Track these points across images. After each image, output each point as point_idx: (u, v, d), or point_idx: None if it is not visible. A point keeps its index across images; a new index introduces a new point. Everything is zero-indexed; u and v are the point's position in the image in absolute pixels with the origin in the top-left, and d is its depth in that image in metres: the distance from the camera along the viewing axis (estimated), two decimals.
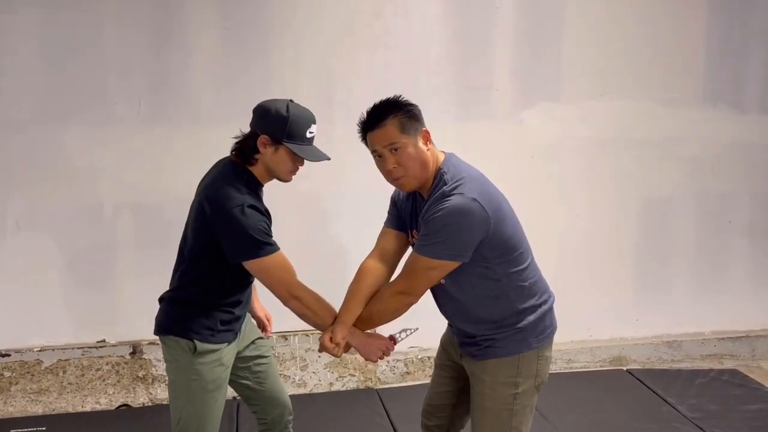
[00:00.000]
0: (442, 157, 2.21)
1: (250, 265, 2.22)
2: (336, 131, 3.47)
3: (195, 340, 2.29)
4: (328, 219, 3.79)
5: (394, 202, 2.38)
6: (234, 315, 2.37)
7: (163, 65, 3.52)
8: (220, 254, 2.23)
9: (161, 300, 2.42)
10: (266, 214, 2.28)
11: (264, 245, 2.20)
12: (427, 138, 2.17)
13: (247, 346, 2.53)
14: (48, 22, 3.40)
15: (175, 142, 3.57)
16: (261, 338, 2.60)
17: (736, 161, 4.22)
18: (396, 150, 2.13)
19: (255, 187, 2.30)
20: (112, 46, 3.48)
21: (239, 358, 2.49)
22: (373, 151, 2.19)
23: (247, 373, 2.55)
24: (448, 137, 3.61)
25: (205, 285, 2.31)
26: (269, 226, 2.26)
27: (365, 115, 2.18)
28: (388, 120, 2.12)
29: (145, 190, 3.60)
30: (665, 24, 3.99)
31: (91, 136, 3.52)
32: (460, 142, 3.76)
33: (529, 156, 3.96)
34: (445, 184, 2.12)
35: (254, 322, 2.65)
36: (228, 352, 2.38)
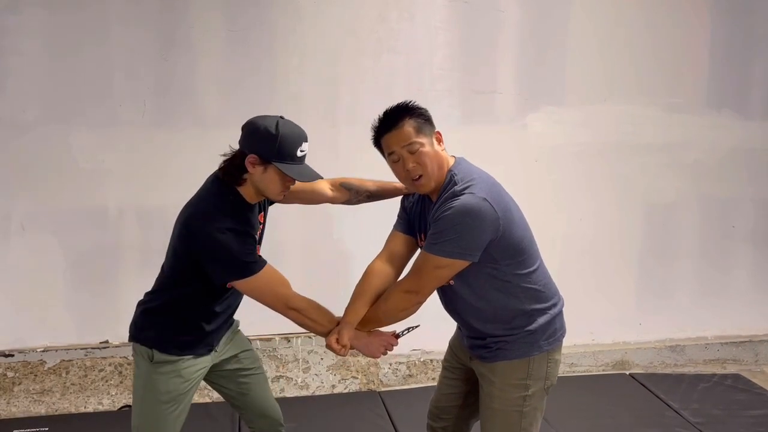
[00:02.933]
0: (452, 161, 2.24)
1: (240, 285, 2.19)
2: (340, 135, 3.48)
3: (153, 349, 2.27)
4: (332, 222, 3.79)
5: (404, 206, 2.40)
6: (203, 329, 2.31)
7: (169, 67, 3.53)
8: (198, 273, 2.18)
9: (138, 305, 2.40)
10: (248, 234, 2.20)
11: (250, 264, 2.16)
12: (439, 139, 2.22)
13: (228, 360, 2.48)
14: (53, 23, 3.40)
15: (179, 144, 3.58)
16: (247, 350, 2.54)
17: (740, 166, 4.22)
18: (414, 151, 2.15)
19: (241, 209, 2.22)
20: (117, 48, 3.48)
21: (219, 370, 2.46)
22: (390, 153, 2.19)
23: (229, 383, 2.52)
24: (453, 141, 3.62)
25: (177, 291, 2.28)
26: (253, 245, 2.20)
27: (379, 119, 2.19)
28: (405, 121, 2.15)
29: (149, 192, 3.60)
30: (669, 29, 3.99)
31: (96, 137, 3.53)
32: (465, 145, 3.76)
33: (533, 160, 3.96)
34: (456, 185, 2.14)
35: (243, 334, 2.58)
36: (191, 365, 2.31)
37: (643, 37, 3.97)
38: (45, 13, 3.39)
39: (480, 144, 3.78)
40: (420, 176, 2.18)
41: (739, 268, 4.33)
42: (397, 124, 2.16)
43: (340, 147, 3.60)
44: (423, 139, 2.16)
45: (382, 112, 2.21)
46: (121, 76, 3.51)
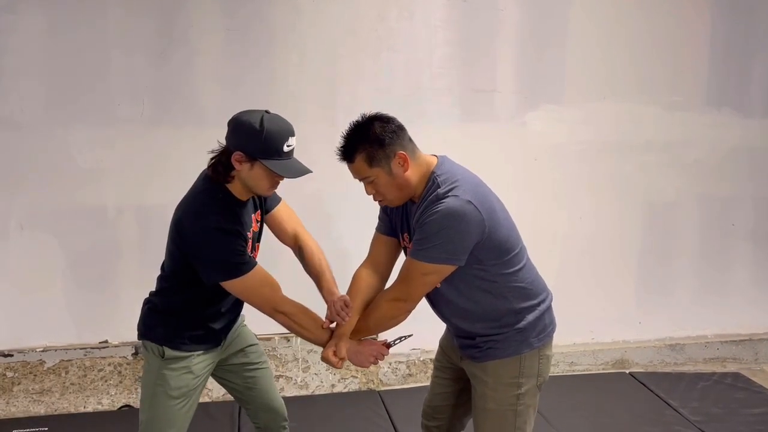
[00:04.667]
0: (434, 161, 2.19)
1: (228, 285, 2.17)
2: (339, 133, 3.46)
3: (164, 346, 2.28)
4: (331, 221, 3.79)
5: (384, 207, 2.35)
6: (210, 326, 2.32)
7: (167, 66, 3.52)
8: (195, 274, 2.18)
9: (144, 303, 2.41)
10: (238, 233, 2.17)
11: (239, 265, 2.14)
12: (404, 160, 2.11)
13: (235, 354, 2.48)
14: (51, 22, 3.40)
15: (178, 143, 3.57)
16: (253, 345, 2.55)
17: (740, 165, 4.22)
18: (368, 183, 2.16)
19: (232, 206, 2.19)
20: (115, 47, 3.48)
21: (226, 364, 2.47)
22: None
23: (235, 378, 2.53)
24: (452, 139, 3.63)
25: (180, 294, 2.29)
26: (244, 245, 2.17)
27: (340, 144, 2.17)
28: (356, 156, 2.12)
29: (148, 191, 3.60)
30: (669, 27, 3.98)
31: (95, 137, 3.52)
32: (464, 144, 3.78)
33: (533, 158, 3.96)
34: (439, 187, 2.10)
35: (249, 328, 2.59)
36: (201, 361, 2.33)
37: (643, 35, 3.96)
38: (42, 13, 3.39)
39: (479, 142, 3.79)
40: (381, 200, 2.21)
41: (739, 266, 4.33)
42: (350, 158, 2.14)
43: (338, 145, 3.59)
44: (376, 171, 2.12)
45: (342, 136, 2.16)
46: (119, 75, 3.50)
